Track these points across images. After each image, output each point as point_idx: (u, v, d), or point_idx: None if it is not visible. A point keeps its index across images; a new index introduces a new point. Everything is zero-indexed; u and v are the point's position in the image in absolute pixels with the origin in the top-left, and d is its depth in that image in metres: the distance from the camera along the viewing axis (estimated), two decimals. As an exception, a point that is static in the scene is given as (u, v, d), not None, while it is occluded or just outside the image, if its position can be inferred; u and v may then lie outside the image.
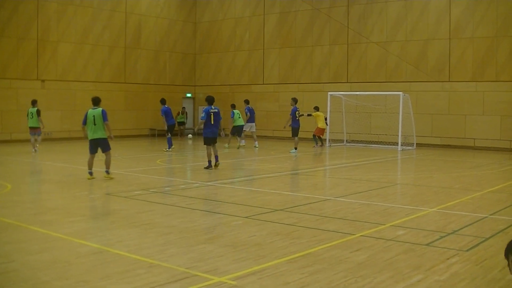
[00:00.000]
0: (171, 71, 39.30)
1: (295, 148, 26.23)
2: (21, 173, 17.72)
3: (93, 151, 17.05)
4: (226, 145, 28.58)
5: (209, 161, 19.55)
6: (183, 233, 9.76)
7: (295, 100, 26.87)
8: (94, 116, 16.92)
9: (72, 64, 33.69)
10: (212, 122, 19.37)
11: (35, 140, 25.29)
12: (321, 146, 29.76)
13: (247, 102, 31.25)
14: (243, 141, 29.68)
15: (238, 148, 28.60)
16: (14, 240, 9.15)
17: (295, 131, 26.46)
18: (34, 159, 22.65)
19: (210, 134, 19.37)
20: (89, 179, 16.55)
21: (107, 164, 17.06)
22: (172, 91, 38.43)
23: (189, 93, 40.29)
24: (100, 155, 17.22)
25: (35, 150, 24.78)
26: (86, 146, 23.58)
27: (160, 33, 38.44)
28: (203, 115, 19.36)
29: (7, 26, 30.84)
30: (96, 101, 17.29)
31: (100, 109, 17.07)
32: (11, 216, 10.98)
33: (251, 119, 30.13)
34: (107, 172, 16.97)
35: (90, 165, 16.93)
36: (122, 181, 16.33)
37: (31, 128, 25.32)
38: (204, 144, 19.62)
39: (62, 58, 33.22)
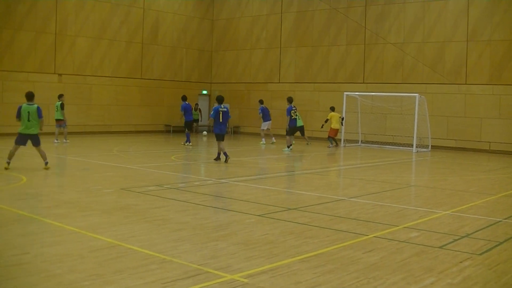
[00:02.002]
0: (188, 67, 39.35)
1: (288, 147, 26.74)
2: (36, 166, 17.78)
3: (20, 143, 17.04)
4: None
5: (218, 153, 21.05)
6: (196, 229, 9.77)
7: (289, 100, 27.52)
8: (29, 112, 16.87)
9: (89, 58, 33.81)
10: (221, 120, 20.59)
11: (60, 132, 27.27)
12: (335, 146, 29.73)
13: (261, 102, 31.65)
14: (263, 139, 30.64)
15: (307, 144, 30.16)
16: (28, 233, 9.20)
17: (291, 130, 27.05)
18: (48, 152, 22.74)
19: (218, 130, 20.68)
20: (6, 168, 16.54)
21: (43, 156, 17.21)
22: (188, 88, 38.46)
23: (205, 90, 40.32)
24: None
25: (58, 141, 26.71)
26: (101, 141, 23.49)
27: (177, 30, 38.49)
28: (212, 113, 20.74)
29: (26, 20, 31.00)
30: (30, 97, 17.16)
31: (36, 105, 17.03)
32: (26, 208, 11.04)
33: (267, 117, 30.49)
34: (46, 163, 17.19)
35: (11, 155, 16.93)
36: (136, 177, 16.37)
37: (56, 120, 27.22)
38: (217, 140, 20.91)
39: (79, 52, 33.35)
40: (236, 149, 26.33)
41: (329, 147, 29.32)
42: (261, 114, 30.52)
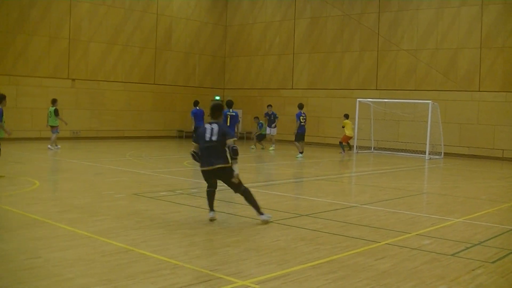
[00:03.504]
0: (200, 73, 39.42)
1: (300, 153, 26.42)
2: (49, 171, 17.87)
3: None
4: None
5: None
6: (208, 235, 9.78)
7: (300, 106, 27.13)
8: None
9: (102, 64, 33.94)
10: (228, 124, 20.72)
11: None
12: (349, 150, 29.71)
13: (270, 106, 31.62)
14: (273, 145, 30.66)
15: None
16: (40, 237, 9.24)
17: (299, 136, 26.59)
18: (61, 157, 22.84)
19: None
20: None
21: None
22: (201, 94, 38.52)
23: (217, 95, 40.35)
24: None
25: (50, 148, 25.41)
26: (114, 146, 23.66)
27: (190, 35, 38.58)
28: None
29: (40, 25, 31.17)
30: None
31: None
32: (38, 213, 11.08)
33: (272, 122, 30.73)
34: None
35: None
36: (149, 182, 16.40)
37: (51, 126, 26.10)
38: None
39: (93, 57, 33.49)
40: (248, 155, 26.33)
41: (341, 153, 29.20)
42: (266, 118, 30.91)
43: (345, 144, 29.62)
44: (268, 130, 30.90)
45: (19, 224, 10.20)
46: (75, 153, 24.75)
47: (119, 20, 34.58)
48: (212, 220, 10.84)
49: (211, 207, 10.95)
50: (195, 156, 11.00)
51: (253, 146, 30.73)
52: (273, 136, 30.85)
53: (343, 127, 29.94)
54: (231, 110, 20.50)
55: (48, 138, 26.34)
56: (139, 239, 9.26)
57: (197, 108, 26.74)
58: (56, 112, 25.81)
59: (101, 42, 33.82)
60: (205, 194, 11.22)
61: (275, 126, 30.74)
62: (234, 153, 10.75)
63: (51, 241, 9.00)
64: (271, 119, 30.67)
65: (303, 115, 26.80)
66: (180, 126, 37.57)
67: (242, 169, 19.94)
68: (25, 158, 21.96)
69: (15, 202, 12.37)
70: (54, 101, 26.24)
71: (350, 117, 30.32)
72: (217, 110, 11.00)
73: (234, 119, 20.46)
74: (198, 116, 26.60)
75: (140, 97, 35.66)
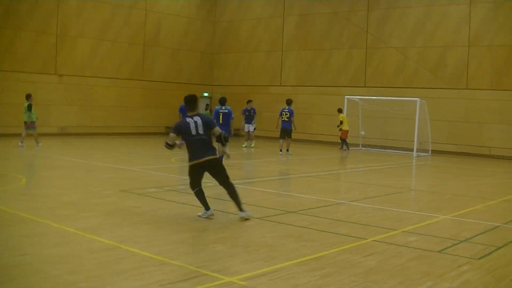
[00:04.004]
0: (189, 69, 39.35)
1: (287, 150, 25.81)
2: (36, 167, 17.81)
3: None
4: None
5: (220, 157, 20.12)
6: (195, 232, 9.79)
7: (288, 102, 26.16)
8: None
9: (90, 59, 33.82)
10: (221, 122, 20.16)
11: (29, 134, 24.44)
12: (347, 150, 29.47)
13: (249, 102, 30.50)
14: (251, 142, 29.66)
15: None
16: (28, 234, 9.20)
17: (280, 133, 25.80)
18: (48, 153, 22.74)
19: None
20: None
21: None
22: (189, 90, 38.16)
23: (206, 92, 40.30)
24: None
25: (22, 145, 23.80)
26: (102, 142, 23.63)
27: (179, 32, 38.50)
28: (213, 115, 20.64)
29: (27, 20, 31.00)
30: None
31: None
32: (26, 210, 11.03)
33: (251, 119, 29.77)
34: None
35: None
36: (137, 178, 16.38)
37: (24, 122, 24.19)
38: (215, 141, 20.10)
39: (81, 53, 33.37)
40: (236, 152, 26.32)
41: (344, 150, 29.05)
42: (246, 114, 29.86)
43: (344, 140, 29.58)
44: (246, 128, 29.76)
45: (5, 221, 10.16)
46: (63, 150, 24.67)
47: (107, 15, 34.45)
48: (211, 217, 10.82)
49: (207, 205, 10.93)
50: (168, 146, 11.00)
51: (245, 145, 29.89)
52: (252, 133, 29.77)
53: (341, 122, 29.71)
54: (223, 107, 20.39)
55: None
56: (126, 236, 9.25)
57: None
58: (29, 108, 24.00)
59: (89, 38, 33.69)
60: (191, 191, 11.15)
61: (254, 123, 29.85)
62: (226, 139, 11.13)
63: (38, 238, 8.97)
64: (250, 115, 29.75)
65: (284, 111, 25.70)
66: (169, 123, 37.39)
67: (229, 165, 19.95)
68: (12, 155, 21.88)
69: (2, 199, 12.31)
70: (28, 96, 24.49)
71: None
72: (193, 101, 11.03)
73: (227, 116, 20.31)
74: (184, 112, 26.46)
75: (128, 93, 35.56)
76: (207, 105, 38.15)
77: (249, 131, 29.64)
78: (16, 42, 30.76)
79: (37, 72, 31.43)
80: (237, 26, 39.66)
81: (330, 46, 34.97)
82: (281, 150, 25.78)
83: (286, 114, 25.65)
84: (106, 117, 34.48)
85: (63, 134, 31.76)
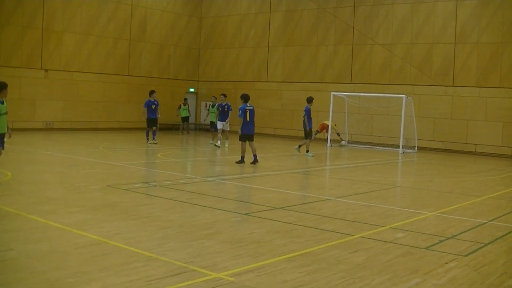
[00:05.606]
0: (175, 65, 39.24)
1: (307, 151, 24.41)
2: (22, 162, 17.70)
3: None
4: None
5: (242, 157, 20.11)
6: (182, 227, 9.75)
7: (309, 100, 24.94)
8: None
9: (76, 54, 33.64)
10: (248, 119, 19.88)
11: None
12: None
13: (224, 96, 27.08)
14: (219, 141, 26.64)
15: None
16: (13, 229, 9.14)
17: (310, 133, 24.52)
18: (34, 148, 22.63)
19: (246, 131, 19.95)
20: None
21: None
22: (176, 86, 38.42)
23: (192, 88, 40.22)
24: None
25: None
26: (88, 137, 23.47)
27: (165, 27, 38.38)
28: (239, 113, 19.80)
29: (12, 15, 30.78)
30: None
31: None
32: (11, 205, 10.96)
33: (225, 116, 26.35)
34: None
35: None
36: (123, 174, 16.32)
37: None
38: (239, 140, 20.12)
39: (67, 48, 33.17)
40: (225, 147, 26.27)
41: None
42: (220, 110, 26.48)
43: (319, 132, 29.98)
44: (219, 125, 26.47)
45: (-9, 216, 10.10)
46: (48, 145, 24.55)
47: (93, 10, 34.27)
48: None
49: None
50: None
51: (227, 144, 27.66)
52: (226, 132, 26.81)
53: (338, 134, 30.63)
54: (248, 104, 19.89)
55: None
56: (113, 231, 9.21)
57: (149, 98, 26.63)
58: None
59: (75, 33, 33.49)
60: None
61: (228, 121, 26.34)
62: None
63: (24, 233, 8.91)
64: (224, 111, 26.27)
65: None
66: (155, 118, 37.37)
67: (220, 163, 19.93)
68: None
69: (-13, 193, 12.24)
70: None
71: (325, 111, 30.47)
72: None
73: (253, 113, 19.92)
74: (149, 107, 26.18)
75: (114, 88, 35.42)
76: (185, 99, 37.34)
77: (223, 129, 26.56)
78: (1, 37, 30.51)
79: (22, 67, 31.20)
80: (223, 22, 39.58)
81: (316, 42, 34.98)
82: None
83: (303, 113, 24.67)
84: (92, 112, 34.31)
85: (49, 129, 31.60)
